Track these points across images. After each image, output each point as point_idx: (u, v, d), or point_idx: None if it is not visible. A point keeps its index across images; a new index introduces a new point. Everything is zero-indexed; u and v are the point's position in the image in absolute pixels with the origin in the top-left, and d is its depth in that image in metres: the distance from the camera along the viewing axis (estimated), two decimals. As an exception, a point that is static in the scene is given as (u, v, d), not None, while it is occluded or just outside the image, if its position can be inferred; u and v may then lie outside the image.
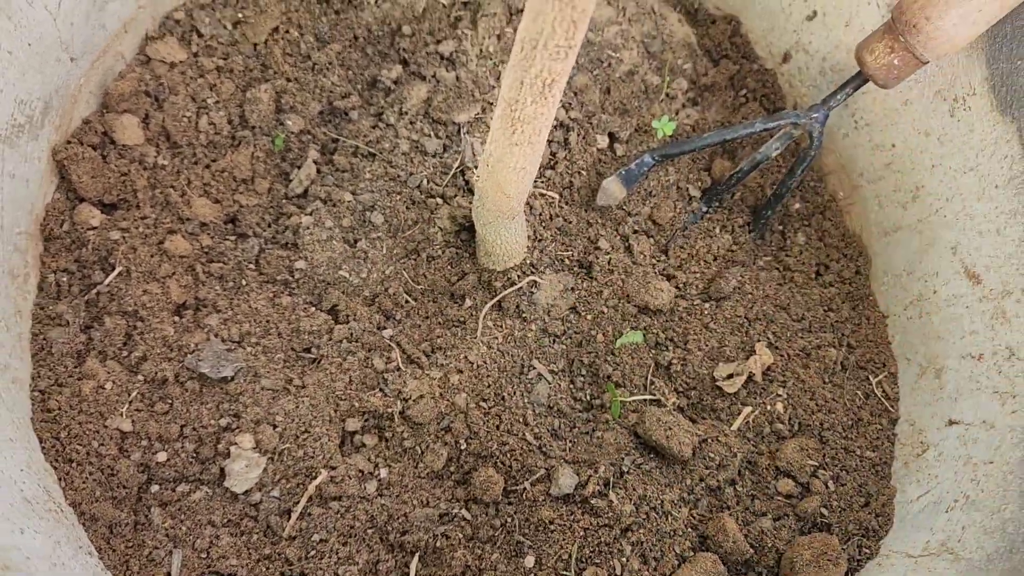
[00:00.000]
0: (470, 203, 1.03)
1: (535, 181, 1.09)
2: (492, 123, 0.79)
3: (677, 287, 1.09)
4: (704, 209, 1.13)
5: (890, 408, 1.04)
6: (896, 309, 1.10)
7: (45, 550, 0.78)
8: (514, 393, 1.00)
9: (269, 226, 1.07)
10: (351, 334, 1.00)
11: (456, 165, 1.08)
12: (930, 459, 0.97)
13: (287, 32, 1.13)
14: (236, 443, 0.93)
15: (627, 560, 0.90)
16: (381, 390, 0.98)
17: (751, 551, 0.91)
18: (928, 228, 1.06)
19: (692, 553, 0.92)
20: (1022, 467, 0.86)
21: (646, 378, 1.02)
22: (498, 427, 0.98)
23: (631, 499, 0.93)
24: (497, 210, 0.92)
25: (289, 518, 0.91)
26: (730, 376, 1.02)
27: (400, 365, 1.00)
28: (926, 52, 0.93)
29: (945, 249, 1.04)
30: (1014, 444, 0.88)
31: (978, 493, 0.89)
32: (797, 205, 1.17)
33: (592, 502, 0.93)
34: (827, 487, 0.97)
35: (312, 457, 0.94)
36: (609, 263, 1.07)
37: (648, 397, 1.01)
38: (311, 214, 1.06)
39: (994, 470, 0.89)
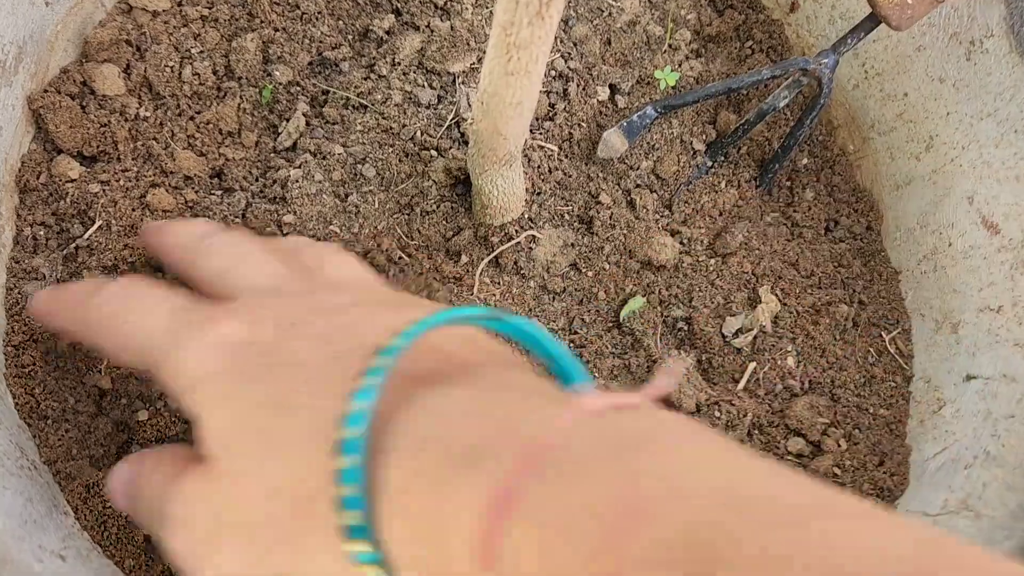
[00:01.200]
0: (465, 155, 0.99)
1: (533, 132, 1.05)
2: (486, 53, 0.74)
3: (681, 243, 1.04)
4: (709, 163, 1.09)
5: (904, 365, 1.00)
6: (910, 264, 1.05)
7: (16, 508, 0.74)
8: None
9: (256, 180, 1.03)
10: (341, 290, 0.96)
11: (451, 116, 1.03)
12: (947, 416, 0.93)
13: (274, -20, 1.08)
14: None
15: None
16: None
17: None
18: (943, 179, 1.02)
19: None
20: (1046, 419, 0.82)
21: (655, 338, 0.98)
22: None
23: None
24: (494, 155, 0.88)
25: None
26: (739, 332, 0.98)
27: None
28: None
29: (961, 199, 1.00)
30: (1037, 396, 0.84)
31: (999, 448, 0.85)
32: (805, 160, 1.13)
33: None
34: (839, 446, 0.92)
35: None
36: (611, 218, 1.03)
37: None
38: (300, 167, 1.01)
39: (1016, 424, 0.85)
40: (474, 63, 1.06)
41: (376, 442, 0.42)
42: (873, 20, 0.96)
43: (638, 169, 1.06)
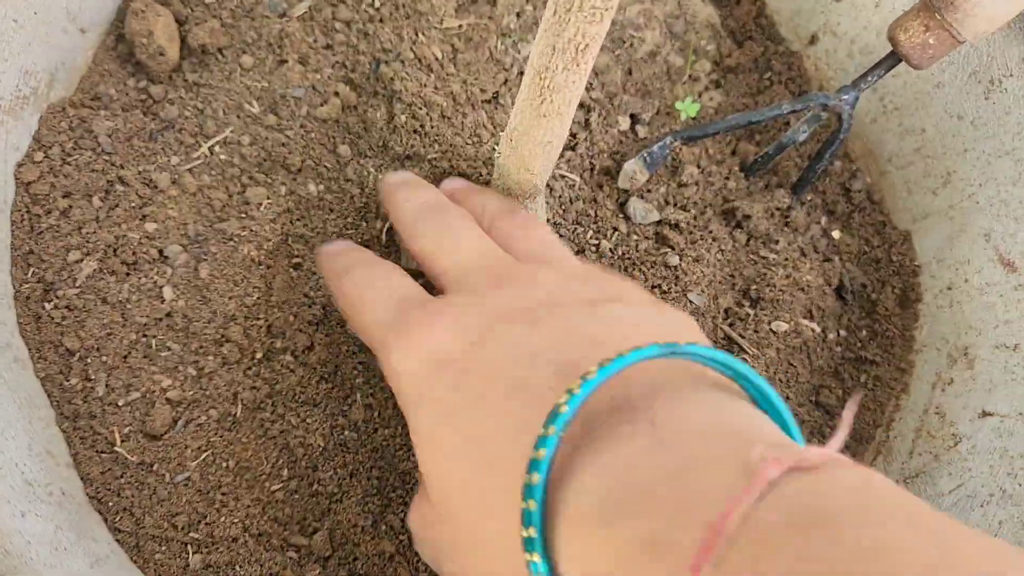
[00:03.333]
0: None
1: (556, 162, 1.06)
2: (519, 94, 0.75)
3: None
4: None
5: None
6: (926, 298, 1.06)
7: (46, 535, 0.75)
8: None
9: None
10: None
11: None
12: (963, 451, 0.94)
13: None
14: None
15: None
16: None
17: None
18: (960, 214, 1.03)
19: None
20: (1063, 460, 0.83)
21: None
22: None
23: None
24: (519, 188, 0.89)
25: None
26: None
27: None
28: (963, 30, 0.89)
29: (978, 236, 1.01)
30: (1054, 436, 0.85)
31: (1015, 487, 0.86)
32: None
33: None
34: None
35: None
36: (635, 249, 1.04)
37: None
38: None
39: (1032, 463, 0.86)
40: (496, 91, 1.07)
41: (552, 494, 0.45)
42: (894, 58, 0.97)
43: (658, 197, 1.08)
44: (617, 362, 0.44)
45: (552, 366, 0.49)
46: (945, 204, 1.05)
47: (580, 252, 1.03)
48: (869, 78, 1.00)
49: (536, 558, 0.42)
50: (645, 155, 1.05)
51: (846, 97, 1.00)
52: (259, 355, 0.98)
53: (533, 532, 0.43)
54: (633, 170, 1.05)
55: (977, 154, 1.01)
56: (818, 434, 1.05)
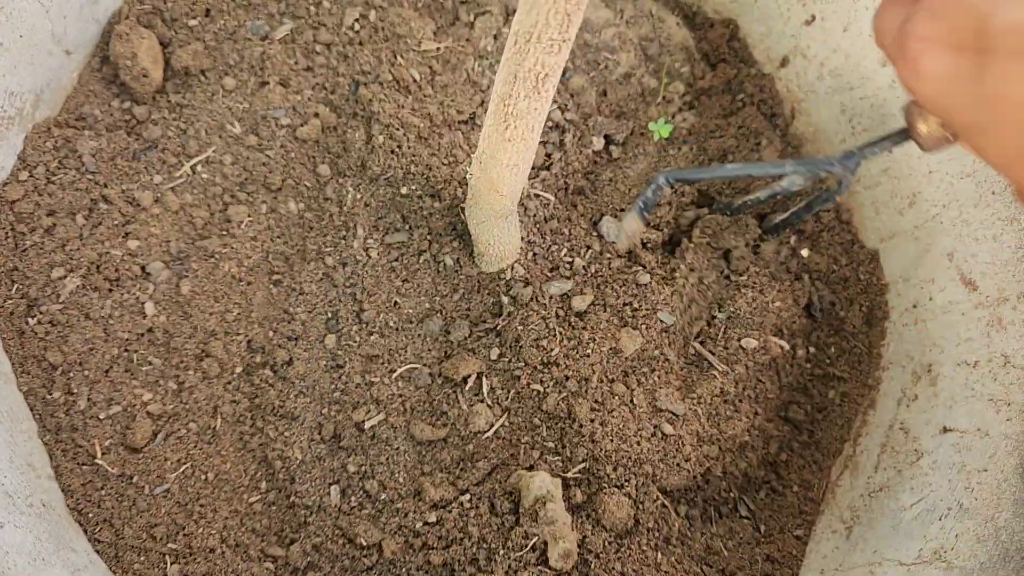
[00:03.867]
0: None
1: (531, 181, 1.08)
2: (485, 119, 0.78)
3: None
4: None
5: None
6: (892, 316, 1.09)
7: (26, 545, 0.77)
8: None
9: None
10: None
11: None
12: (924, 467, 0.96)
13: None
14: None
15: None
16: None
17: None
18: (925, 234, 1.06)
19: None
20: (1016, 475, 0.85)
21: None
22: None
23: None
24: (490, 209, 0.91)
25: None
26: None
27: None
28: None
29: (942, 255, 1.03)
30: (1008, 452, 0.87)
31: (972, 501, 0.88)
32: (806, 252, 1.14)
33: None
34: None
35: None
36: (607, 267, 1.07)
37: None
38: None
39: (988, 478, 0.88)
40: (473, 111, 1.10)
41: None
42: (904, 136, 0.90)
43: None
44: None
45: None
46: (911, 224, 1.08)
47: (555, 269, 1.05)
48: (875, 149, 0.95)
49: None
50: (641, 205, 1.04)
51: (849, 164, 0.96)
52: (239, 369, 1.00)
53: None
54: (634, 230, 1.04)
55: (941, 176, 1.04)
56: (786, 449, 1.07)
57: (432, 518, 0.95)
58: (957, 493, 0.90)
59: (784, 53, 1.19)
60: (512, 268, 1.04)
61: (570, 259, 1.07)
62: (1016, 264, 0.95)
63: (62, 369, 0.93)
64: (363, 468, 0.98)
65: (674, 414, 1.01)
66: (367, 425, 0.99)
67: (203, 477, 0.95)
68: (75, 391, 0.93)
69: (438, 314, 1.03)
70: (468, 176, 0.90)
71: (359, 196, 1.04)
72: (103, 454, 0.92)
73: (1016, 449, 0.87)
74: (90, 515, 0.89)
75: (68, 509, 0.88)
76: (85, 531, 0.89)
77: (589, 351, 1.00)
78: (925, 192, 1.06)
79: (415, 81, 1.08)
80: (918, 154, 1.06)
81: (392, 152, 1.03)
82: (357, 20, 1.10)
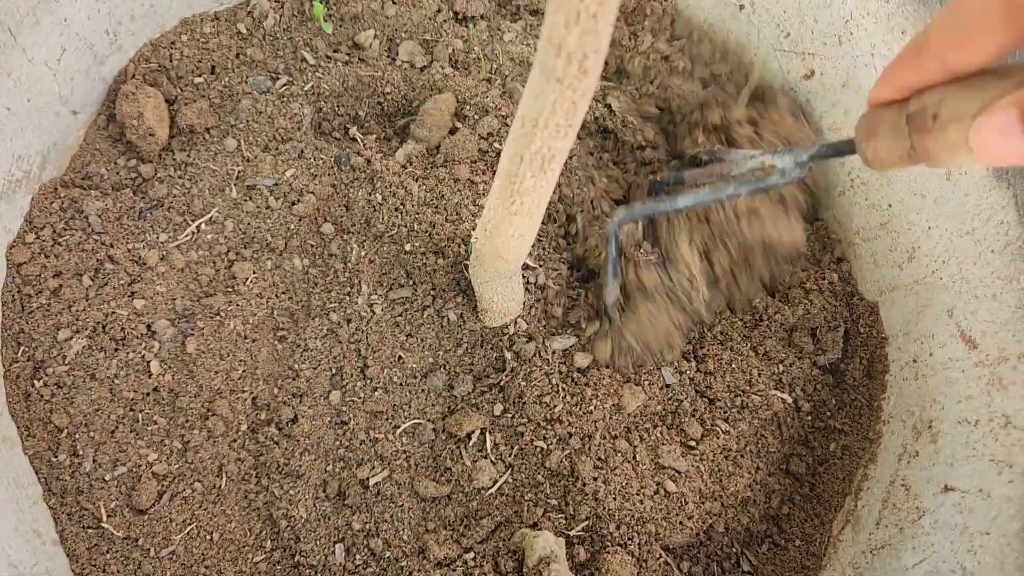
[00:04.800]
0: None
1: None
2: (491, 192, 0.79)
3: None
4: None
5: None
6: (893, 369, 1.09)
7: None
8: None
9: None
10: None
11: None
12: (926, 526, 0.96)
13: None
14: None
15: None
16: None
17: None
18: (924, 289, 1.07)
19: None
20: (1019, 540, 0.86)
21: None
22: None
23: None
24: (495, 271, 0.92)
25: None
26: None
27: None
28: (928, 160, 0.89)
29: (941, 311, 1.04)
30: (1011, 516, 0.88)
31: (975, 565, 0.89)
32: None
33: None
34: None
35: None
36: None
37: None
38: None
39: (991, 541, 0.89)
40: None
41: None
42: (851, 147, 0.91)
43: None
44: None
45: None
46: (910, 279, 1.09)
47: (558, 326, 1.06)
48: (822, 156, 0.92)
49: None
50: (611, 270, 1.03)
51: (796, 175, 0.94)
52: (244, 427, 1.01)
53: None
54: (612, 295, 1.05)
55: (940, 232, 1.05)
56: (788, 502, 1.07)
57: (436, 577, 0.95)
58: (960, 556, 0.91)
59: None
60: (515, 323, 1.04)
61: (573, 317, 1.08)
62: (1016, 324, 0.95)
63: (68, 431, 0.93)
64: (368, 526, 0.99)
65: (676, 471, 1.01)
66: (371, 482, 0.99)
67: (208, 537, 0.95)
68: (80, 453, 0.93)
69: (442, 369, 1.04)
70: (473, 240, 0.91)
71: (363, 253, 1.05)
72: (108, 516, 0.92)
73: (1019, 513, 0.88)
74: (95, 580, 0.90)
75: (73, 575, 0.88)
76: (90, 596, 0.89)
77: (592, 408, 1.01)
78: (924, 247, 1.07)
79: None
80: (917, 209, 1.07)
81: (396, 210, 1.04)
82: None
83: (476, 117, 1.12)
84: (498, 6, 1.23)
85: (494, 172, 1.08)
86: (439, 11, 1.19)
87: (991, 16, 0.52)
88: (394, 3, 1.16)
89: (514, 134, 0.70)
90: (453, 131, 1.12)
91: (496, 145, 1.10)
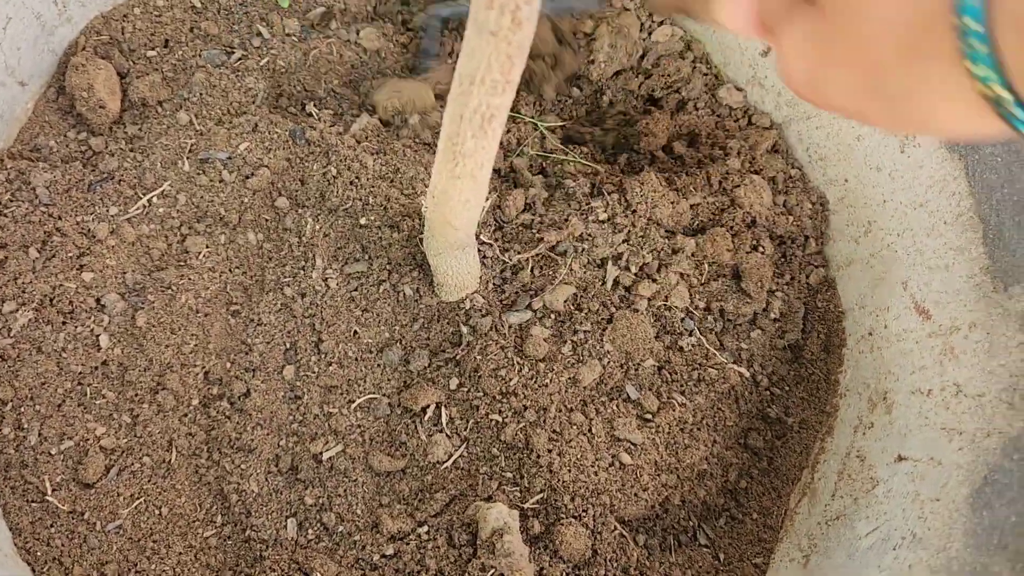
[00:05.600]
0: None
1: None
2: (436, 157, 0.78)
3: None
4: None
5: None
6: (849, 342, 1.10)
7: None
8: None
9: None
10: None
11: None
12: (879, 495, 0.97)
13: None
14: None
15: None
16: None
17: None
18: (880, 263, 1.07)
19: None
20: (968, 505, 0.86)
21: None
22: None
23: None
24: (446, 241, 0.92)
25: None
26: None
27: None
28: None
29: (896, 284, 1.04)
30: (960, 481, 0.88)
31: (925, 531, 0.89)
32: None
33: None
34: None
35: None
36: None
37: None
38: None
39: (940, 507, 0.89)
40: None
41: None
42: None
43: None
44: None
45: None
46: (867, 252, 1.09)
47: (514, 300, 1.05)
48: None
49: (982, 48, 0.39)
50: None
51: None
52: (195, 402, 1.00)
53: (978, 27, 0.39)
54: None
55: (895, 205, 1.05)
56: (746, 476, 1.07)
57: (389, 551, 0.95)
58: (911, 523, 0.91)
59: (741, 84, 1.21)
60: (472, 298, 1.04)
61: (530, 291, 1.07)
62: (967, 293, 0.96)
63: (12, 405, 0.92)
64: (320, 500, 0.98)
65: (632, 443, 1.01)
66: (325, 456, 0.98)
67: (157, 512, 0.94)
68: (26, 427, 0.92)
69: (398, 344, 1.03)
70: (423, 209, 0.90)
71: (318, 227, 1.04)
72: (54, 491, 0.91)
73: (967, 478, 0.88)
74: (39, 554, 0.88)
75: (16, 548, 0.86)
76: (33, 570, 0.88)
77: (547, 381, 1.00)
78: (880, 221, 1.07)
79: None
80: (873, 183, 1.08)
81: (351, 183, 1.03)
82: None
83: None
84: None
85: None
86: None
87: None
88: None
89: (453, 94, 0.70)
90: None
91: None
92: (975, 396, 0.92)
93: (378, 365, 1.02)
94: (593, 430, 1.00)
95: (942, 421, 0.94)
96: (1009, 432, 0.87)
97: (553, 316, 1.05)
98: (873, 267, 1.08)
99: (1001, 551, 0.81)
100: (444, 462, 0.99)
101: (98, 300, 0.98)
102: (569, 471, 0.97)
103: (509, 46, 0.62)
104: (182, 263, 1.02)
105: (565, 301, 1.05)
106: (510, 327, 1.03)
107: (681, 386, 1.05)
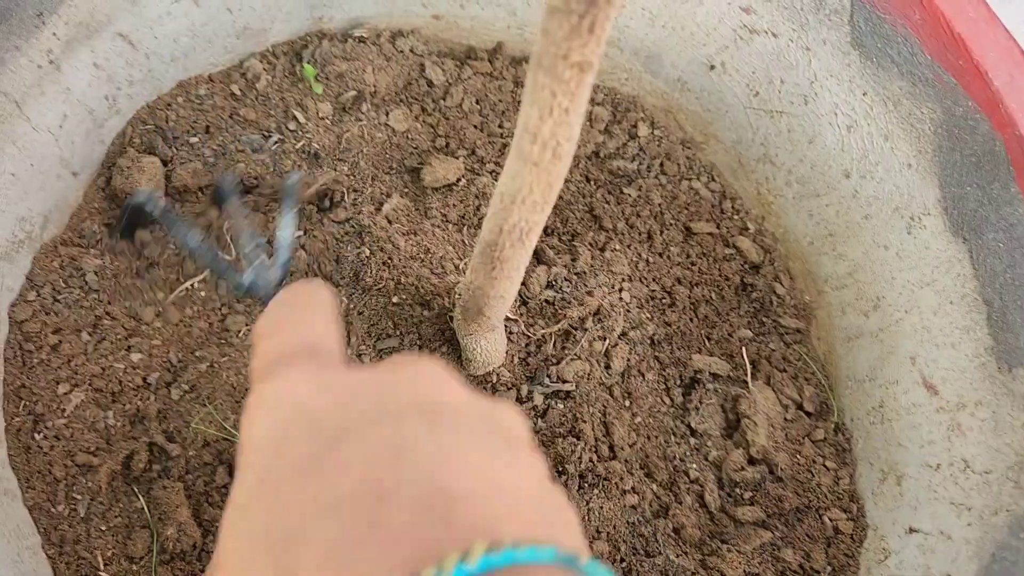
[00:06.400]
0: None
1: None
2: (473, 256, 0.84)
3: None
4: None
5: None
6: (859, 414, 1.14)
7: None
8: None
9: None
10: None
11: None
12: (892, 566, 1.01)
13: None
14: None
15: None
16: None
17: None
18: (889, 337, 1.12)
19: None
20: (977, 581, 0.91)
21: None
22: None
23: None
24: (477, 326, 0.97)
25: None
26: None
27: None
28: None
29: (905, 358, 1.09)
30: (969, 557, 0.93)
31: (936, 605, 0.93)
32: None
33: None
34: None
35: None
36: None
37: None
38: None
39: (951, 582, 0.93)
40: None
41: None
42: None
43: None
44: (506, 557, 0.31)
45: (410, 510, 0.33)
46: (876, 327, 1.14)
47: (536, 376, 1.10)
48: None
49: None
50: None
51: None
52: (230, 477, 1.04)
53: None
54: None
55: (903, 283, 1.10)
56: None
57: None
58: (923, 596, 0.95)
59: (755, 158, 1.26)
60: (498, 372, 1.09)
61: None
62: (973, 372, 1.00)
63: (66, 482, 0.97)
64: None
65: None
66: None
67: (201, 584, 0.99)
68: (78, 503, 0.97)
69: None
70: (457, 296, 0.95)
71: (352, 305, 1.09)
72: (105, 565, 0.95)
73: (976, 554, 0.92)
74: (95, 628, 0.93)
75: (74, 624, 0.91)
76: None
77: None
78: (888, 297, 1.12)
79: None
80: (881, 260, 1.13)
81: (384, 264, 1.09)
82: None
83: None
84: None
85: (478, 228, 1.13)
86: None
87: None
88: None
89: (494, 208, 0.75)
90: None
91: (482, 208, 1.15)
92: (982, 472, 0.96)
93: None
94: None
95: (951, 496, 0.99)
96: (1016, 511, 0.91)
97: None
98: (883, 341, 1.13)
99: (1010, 628, 0.85)
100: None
101: (144, 379, 1.03)
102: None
103: (550, 175, 0.68)
104: (223, 342, 1.07)
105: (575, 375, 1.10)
106: (535, 406, 1.08)
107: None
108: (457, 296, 0.96)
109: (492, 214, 0.75)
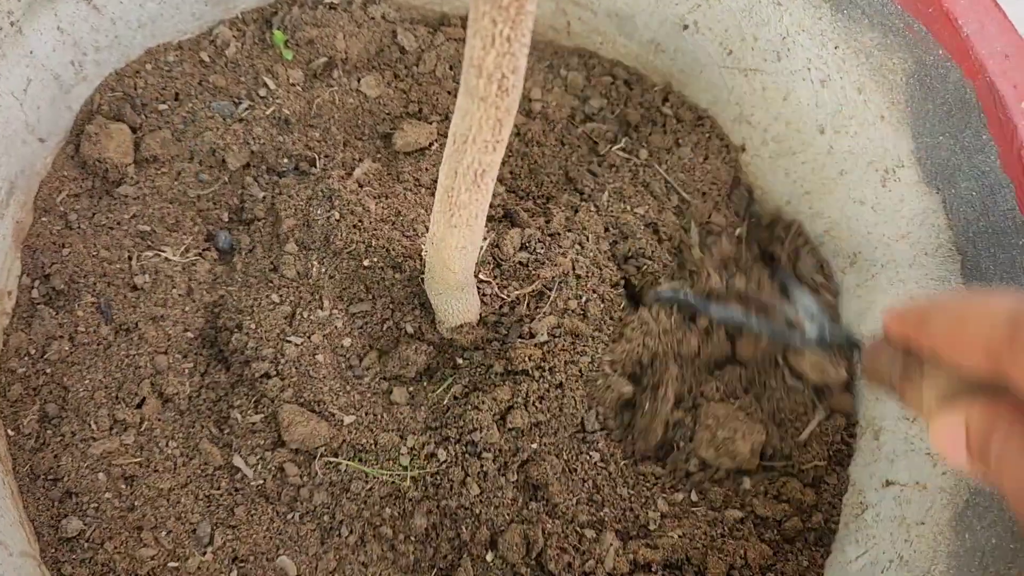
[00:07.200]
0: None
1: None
2: (433, 207, 0.83)
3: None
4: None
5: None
6: (838, 371, 1.14)
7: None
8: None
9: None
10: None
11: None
12: (868, 520, 1.00)
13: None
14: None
15: None
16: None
17: None
18: (866, 293, 1.11)
19: None
20: (951, 528, 0.90)
21: None
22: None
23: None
24: (444, 283, 0.96)
25: None
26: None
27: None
28: None
29: (881, 313, 1.08)
30: (943, 505, 0.92)
31: (911, 553, 0.92)
32: None
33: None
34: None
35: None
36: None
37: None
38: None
39: (925, 531, 0.92)
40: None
41: None
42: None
43: None
44: None
45: None
46: (853, 283, 1.13)
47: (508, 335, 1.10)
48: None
49: None
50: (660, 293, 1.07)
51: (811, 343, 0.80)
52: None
53: None
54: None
55: (878, 237, 1.09)
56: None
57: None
58: (898, 546, 0.94)
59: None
60: (470, 331, 1.08)
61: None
62: (948, 323, 0.99)
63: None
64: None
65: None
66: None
67: None
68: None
69: (399, 378, 1.08)
70: (423, 254, 0.95)
71: (323, 269, 1.09)
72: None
73: (950, 502, 0.91)
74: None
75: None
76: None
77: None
78: (864, 252, 1.11)
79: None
80: (856, 216, 1.12)
81: (354, 227, 1.08)
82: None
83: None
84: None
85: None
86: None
87: (973, 351, 0.49)
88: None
89: (448, 150, 0.75)
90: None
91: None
92: (957, 422, 0.95)
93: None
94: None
95: (927, 446, 0.98)
96: (989, 457, 0.90)
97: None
98: (860, 297, 1.12)
99: (982, 572, 0.84)
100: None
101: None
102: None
103: (498, 111, 0.67)
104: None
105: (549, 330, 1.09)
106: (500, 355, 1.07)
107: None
108: (423, 253, 0.95)
109: (446, 157, 0.75)
